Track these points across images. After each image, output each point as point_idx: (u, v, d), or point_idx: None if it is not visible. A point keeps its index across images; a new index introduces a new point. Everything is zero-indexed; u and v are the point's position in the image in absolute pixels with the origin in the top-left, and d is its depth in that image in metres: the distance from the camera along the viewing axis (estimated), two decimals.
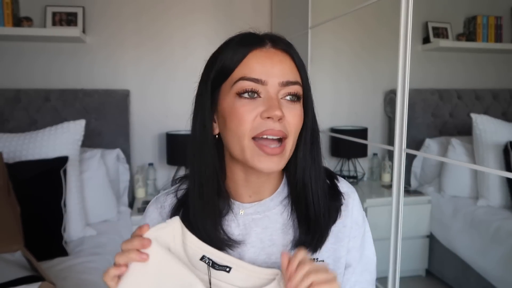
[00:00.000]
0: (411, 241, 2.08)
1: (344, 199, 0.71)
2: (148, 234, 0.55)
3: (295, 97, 0.63)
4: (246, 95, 0.61)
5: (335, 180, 0.73)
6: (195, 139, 0.67)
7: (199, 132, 0.66)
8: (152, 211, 0.74)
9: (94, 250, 1.66)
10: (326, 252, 0.68)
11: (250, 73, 0.61)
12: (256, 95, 0.61)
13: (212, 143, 0.66)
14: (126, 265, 0.55)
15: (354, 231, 0.71)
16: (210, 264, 0.58)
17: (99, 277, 1.39)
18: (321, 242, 0.67)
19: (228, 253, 0.65)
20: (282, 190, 0.71)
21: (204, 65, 0.68)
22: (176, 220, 0.59)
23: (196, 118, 0.67)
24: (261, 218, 0.68)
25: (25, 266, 1.40)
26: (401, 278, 1.40)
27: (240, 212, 0.69)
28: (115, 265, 0.55)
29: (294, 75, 0.63)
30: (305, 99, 0.66)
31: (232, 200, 0.69)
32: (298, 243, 0.66)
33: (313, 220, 0.66)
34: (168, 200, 0.73)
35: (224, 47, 0.65)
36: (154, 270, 0.54)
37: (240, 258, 0.66)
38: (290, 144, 0.63)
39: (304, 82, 0.65)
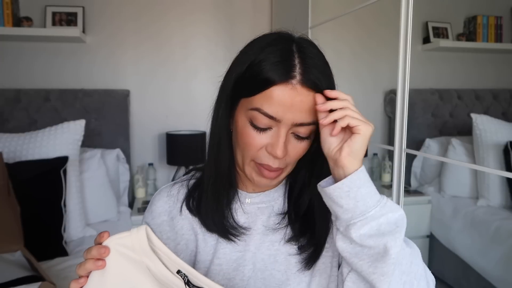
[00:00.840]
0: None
1: None
2: (107, 242, 0.53)
3: (304, 135, 0.63)
4: (257, 125, 0.61)
5: None
6: (214, 130, 0.69)
7: (216, 124, 0.68)
8: (159, 199, 0.75)
9: None
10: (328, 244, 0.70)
11: (267, 108, 0.59)
12: (267, 128, 0.62)
13: (227, 137, 0.68)
14: (87, 276, 0.53)
15: None
16: (186, 281, 0.54)
17: None
18: (319, 233, 0.69)
19: (236, 242, 0.69)
20: (286, 182, 0.74)
21: (236, 57, 0.65)
22: (142, 229, 0.54)
23: (216, 111, 0.68)
24: (266, 207, 0.72)
25: (25, 266, 1.40)
26: None
27: (247, 200, 0.72)
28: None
29: (311, 116, 0.60)
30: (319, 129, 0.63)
31: (239, 190, 0.73)
32: (292, 236, 0.69)
33: (310, 211, 0.69)
34: (177, 189, 0.75)
35: (257, 59, 0.60)
36: (113, 278, 0.53)
37: (246, 244, 0.69)
38: (288, 169, 0.66)
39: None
